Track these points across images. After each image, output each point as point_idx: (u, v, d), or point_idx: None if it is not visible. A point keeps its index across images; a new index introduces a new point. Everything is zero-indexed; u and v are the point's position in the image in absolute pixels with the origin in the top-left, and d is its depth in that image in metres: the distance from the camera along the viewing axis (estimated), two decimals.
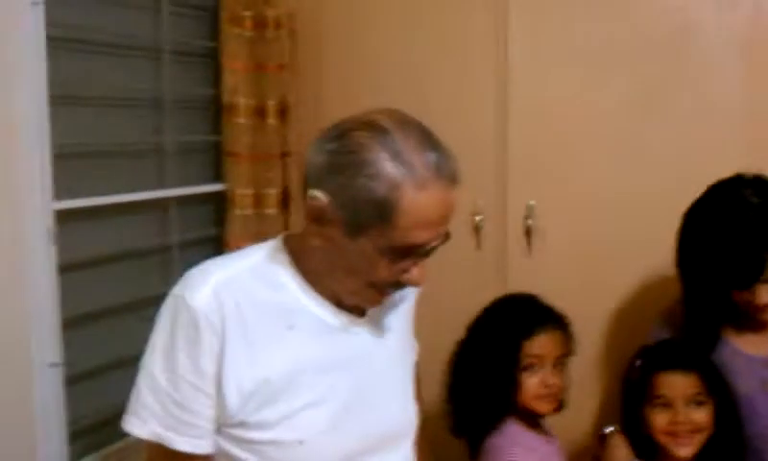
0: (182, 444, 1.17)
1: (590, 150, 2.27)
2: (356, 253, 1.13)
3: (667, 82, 2.19)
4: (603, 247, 2.26)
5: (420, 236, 1.11)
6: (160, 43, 2.30)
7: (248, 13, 2.47)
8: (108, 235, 2.15)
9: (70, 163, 1.98)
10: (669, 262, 1.86)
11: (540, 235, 2.32)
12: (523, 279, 2.25)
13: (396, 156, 1.09)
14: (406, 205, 1.08)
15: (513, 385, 1.72)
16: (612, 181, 2.25)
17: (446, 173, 1.12)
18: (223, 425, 1.18)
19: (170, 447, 1.17)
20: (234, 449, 1.19)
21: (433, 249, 1.14)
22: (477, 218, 2.37)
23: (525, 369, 1.73)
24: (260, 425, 1.16)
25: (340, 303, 1.23)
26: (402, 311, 1.37)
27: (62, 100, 1.94)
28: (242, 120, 2.44)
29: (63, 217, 1.93)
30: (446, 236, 1.16)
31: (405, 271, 1.15)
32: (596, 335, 2.26)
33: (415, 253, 1.13)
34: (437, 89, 2.43)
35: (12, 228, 1.81)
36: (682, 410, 1.69)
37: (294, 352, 1.18)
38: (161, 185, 2.32)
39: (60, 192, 1.91)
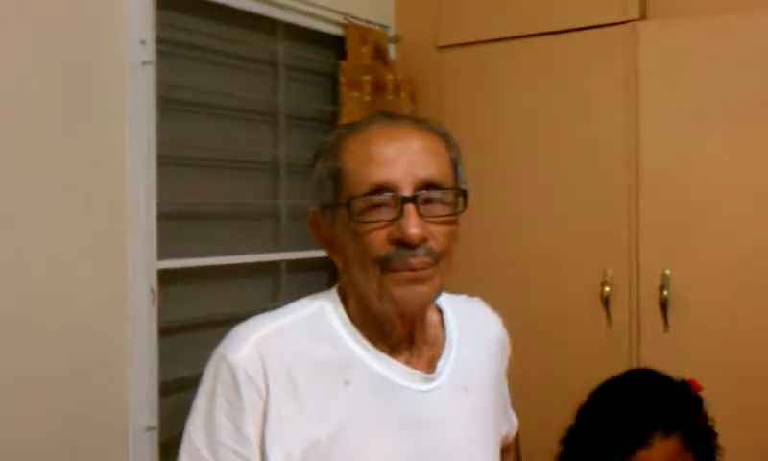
0: None
1: (732, 213, 2.05)
2: (347, 235, 1.04)
3: None
4: (750, 320, 2.00)
5: (375, 174, 1.01)
6: (277, 107, 2.29)
7: (367, 77, 2.44)
8: (216, 298, 2.11)
9: (180, 225, 1.97)
10: None
11: (678, 308, 2.10)
12: (659, 358, 2.00)
13: (342, 128, 1.08)
14: (348, 152, 1.04)
15: None
16: (759, 247, 2.02)
17: (383, 121, 1.06)
18: None
19: None
20: None
21: (413, 198, 1.01)
22: (606, 289, 2.17)
23: None
24: None
25: (401, 356, 1.08)
26: (486, 372, 1.19)
27: (174, 161, 1.94)
28: None
29: (171, 278, 1.91)
30: (437, 190, 1.03)
31: (396, 229, 1.01)
32: (745, 426, 1.97)
33: (384, 199, 1.01)
34: (563, 154, 2.29)
35: (115, 286, 1.80)
36: None
37: (349, 412, 1.03)
38: (274, 249, 2.28)
39: (170, 253, 1.90)
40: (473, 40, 2.47)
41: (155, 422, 1.86)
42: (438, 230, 1.03)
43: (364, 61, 2.43)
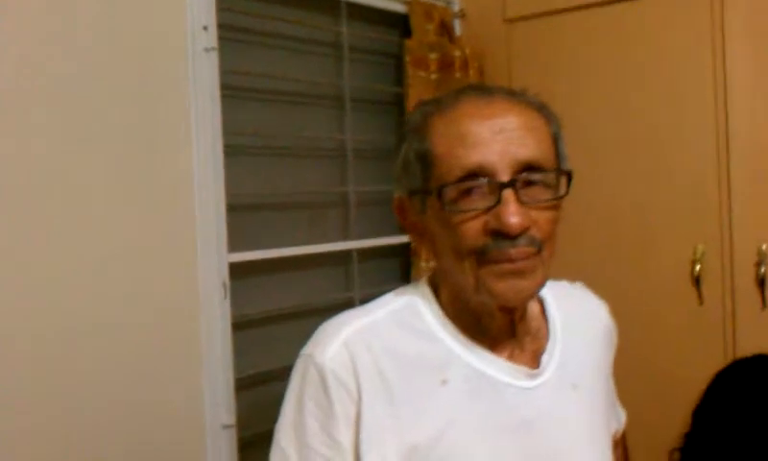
0: None
1: None
2: (438, 223, 0.96)
3: None
4: None
5: (468, 157, 0.92)
6: (342, 90, 2.22)
7: (433, 55, 2.35)
8: (287, 290, 2.06)
9: (247, 216, 1.92)
10: None
11: None
12: (756, 340, 1.89)
13: (428, 104, 0.99)
14: (436, 133, 0.95)
15: None
16: None
17: (476, 95, 0.96)
18: None
19: None
20: None
21: (512, 183, 0.91)
22: (698, 267, 2.04)
23: None
24: None
25: (502, 351, 1.00)
26: (594, 366, 1.10)
27: (238, 150, 1.89)
28: None
29: (240, 271, 1.86)
30: (537, 172, 0.93)
31: (493, 218, 0.92)
32: None
33: (479, 185, 0.92)
34: (646, 126, 2.17)
35: (188, 281, 1.76)
36: None
37: (448, 414, 0.96)
38: (344, 237, 2.22)
39: (237, 245, 1.85)
40: (542, 11, 2.36)
41: (232, 419, 1.81)
42: (540, 216, 0.94)
43: (429, 39, 2.35)
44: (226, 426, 1.81)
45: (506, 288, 0.94)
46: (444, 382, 0.97)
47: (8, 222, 1.46)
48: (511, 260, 0.92)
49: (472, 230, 0.93)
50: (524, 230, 0.91)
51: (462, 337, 0.99)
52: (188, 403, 1.76)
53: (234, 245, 1.85)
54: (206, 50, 1.75)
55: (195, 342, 1.77)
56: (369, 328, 0.99)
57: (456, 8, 2.48)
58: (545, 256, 0.95)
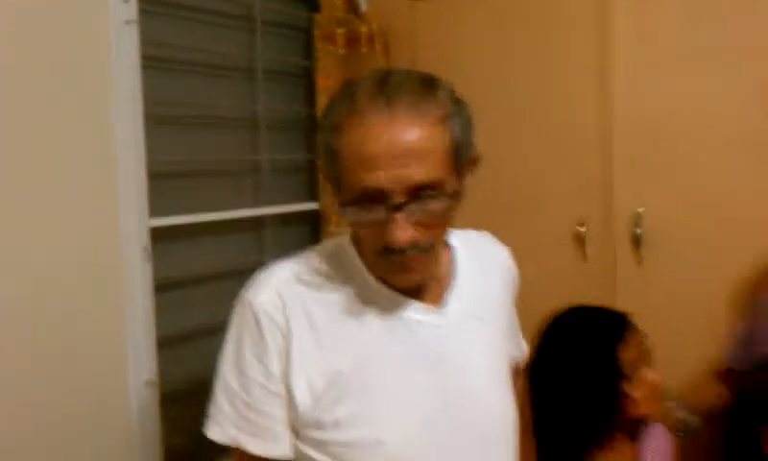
0: (257, 447, 1.12)
1: (703, 152, 2.14)
2: (345, 204, 1.06)
3: None
4: (720, 255, 2.11)
5: (364, 179, 1.00)
6: (254, 63, 2.31)
7: (340, 31, 2.46)
8: (202, 254, 2.15)
9: (165, 182, 1.99)
10: None
11: (650, 245, 2.19)
12: (633, 292, 2.12)
13: (345, 100, 1.04)
14: (344, 140, 1.02)
15: (619, 397, 1.59)
16: (728, 184, 2.11)
17: (380, 107, 1.00)
18: (299, 428, 1.12)
19: (246, 450, 1.13)
20: (313, 453, 1.11)
21: (405, 204, 1.01)
22: (581, 229, 2.25)
23: (627, 377, 1.59)
24: (335, 425, 1.09)
25: (413, 292, 1.14)
26: (499, 300, 1.26)
27: (157, 119, 1.95)
28: None
29: (159, 236, 1.94)
30: (430, 190, 1.01)
31: (384, 232, 1.03)
32: (713, 348, 2.09)
33: (375, 201, 1.01)
34: (535, 98, 2.35)
35: (110, 245, 1.82)
36: None
37: (366, 346, 1.11)
38: (257, 204, 2.32)
39: (155, 211, 1.92)
40: None
41: (154, 376, 1.90)
42: (430, 223, 1.05)
43: (337, 14, 2.46)
44: (148, 383, 1.90)
45: (399, 280, 1.10)
46: (364, 320, 1.12)
47: None
48: (401, 262, 1.06)
49: (370, 236, 1.07)
50: (411, 244, 1.03)
51: (378, 283, 1.13)
52: (113, 361, 1.83)
53: (156, 210, 1.92)
54: (127, 22, 1.81)
55: (118, 303, 1.84)
56: (297, 275, 1.14)
57: None
58: (436, 250, 1.08)
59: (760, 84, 2.06)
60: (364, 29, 2.50)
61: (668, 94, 2.17)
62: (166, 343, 1.97)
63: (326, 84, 2.42)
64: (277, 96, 2.40)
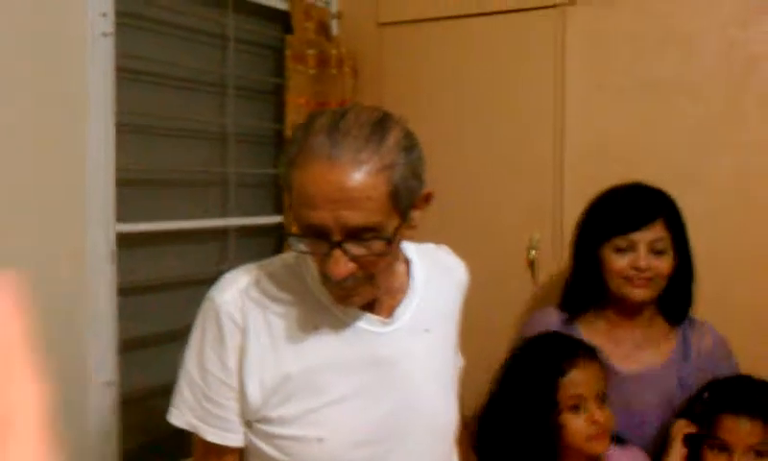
0: (212, 435, 1.23)
1: (648, 178, 2.22)
2: (294, 243, 1.16)
3: (730, 114, 2.15)
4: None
5: (308, 216, 1.09)
6: (226, 78, 2.38)
7: (311, 52, 2.54)
8: (167, 261, 2.21)
9: (134, 190, 2.05)
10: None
11: None
12: None
13: (301, 137, 1.11)
14: (295, 180, 1.10)
15: (556, 430, 1.62)
16: None
17: (325, 152, 1.07)
18: (249, 420, 1.22)
19: (203, 438, 1.23)
20: (260, 444, 1.22)
21: (342, 242, 1.09)
22: (533, 253, 2.34)
23: (568, 410, 1.63)
24: (282, 421, 1.19)
25: (366, 305, 1.23)
26: (447, 313, 1.35)
27: (129, 128, 2.02)
28: None
29: (125, 241, 2.00)
30: (368, 232, 1.09)
31: (324, 262, 1.12)
32: None
33: (317, 236, 1.10)
34: (495, 125, 2.45)
35: (76, 247, 1.87)
36: (739, 459, 1.62)
37: (316, 351, 1.21)
38: (222, 215, 2.38)
39: (124, 217, 1.98)
40: (412, 19, 2.59)
41: (113, 377, 1.96)
42: (368, 259, 1.12)
43: (309, 36, 2.54)
44: (108, 384, 1.95)
45: (342, 302, 1.20)
46: (316, 328, 1.21)
47: None
48: (340, 291, 1.16)
49: (316, 262, 1.17)
50: (349, 277, 1.12)
51: (329, 295, 1.22)
52: (73, 360, 1.88)
53: (123, 216, 1.98)
54: (104, 35, 1.88)
55: (81, 304, 1.89)
56: (262, 279, 1.24)
57: (334, 9, 2.68)
58: (376, 279, 1.16)
59: (705, 119, 2.18)
60: (334, 51, 2.58)
61: (617, 126, 2.28)
62: (128, 347, 2.02)
63: (296, 101, 2.50)
64: (247, 112, 2.48)
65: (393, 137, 1.10)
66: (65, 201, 1.84)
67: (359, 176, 1.06)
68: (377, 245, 1.10)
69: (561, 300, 1.98)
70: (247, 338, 1.19)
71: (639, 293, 1.82)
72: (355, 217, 1.07)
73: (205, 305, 1.24)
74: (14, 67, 1.71)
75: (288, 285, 1.24)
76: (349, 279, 1.12)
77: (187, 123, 2.27)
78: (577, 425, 1.61)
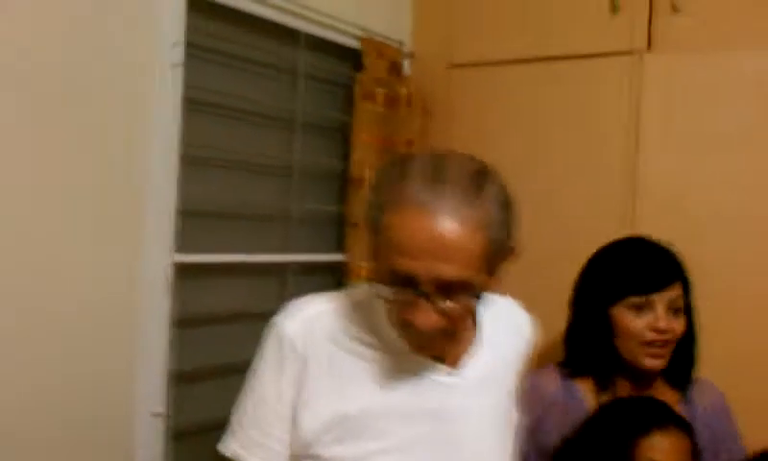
0: None
1: (730, 237, 2.13)
2: (377, 288, 1.12)
3: None
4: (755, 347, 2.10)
5: (399, 263, 1.05)
6: (294, 113, 2.37)
7: (381, 90, 2.52)
8: (225, 294, 2.19)
9: (195, 221, 2.05)
10: None
11: None
12: None
13: (396, 182, 1.08)
14: (386, 223, 1.07)
15: None
16: (758, 274, 2.10)
17: (424, 199, 1.04)
18: (298, 455, 1.18)
19: None
20: None
21: (431, 294, 1.05)
22: None
23: None
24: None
25: (435, 355, 1.20)
26: (508, 371, 1.31)
27: (193, 160, 2.02)
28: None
29: (184, 271, 1.99)
30: (459, 287, 1.05)
31: (409, 311, 1.08)
32: None
33: (405, 284, 1.06)
34: (565, 174, 2.38)
35: (129, 276, 1.87)
36: None
37: (377, 395, 1.17)
38: (284, 251, 2.36)
39: (183, 247, 1.98)
40: (485, 61, 2.55)
41: (162, 408, 1.93)
42: (454, 313, 1.09)
43: (379, 75, 2.51)
44: (155, 415, 1.93)
45: (419, 351, 1.17)
46: (381, 370, 1.17)
47: None
48: (419, 340, 1.14)
49: (398, 307, 1.11)
50: (432, 330, 1.08)
51: (399, 339, 1.18)
52: (121, 389, 1.87)
53: (183, 247, 1.98)
54: (173, 65, 1.89)
55: (133, 332, 1.88)
56: (329, 313, 1.21)
57: (406, 49, 2.66)
58: (456, 334, 1.15)
59: None
60: (404, 90, 2.55)
61: (694, 178, 2.19)
62: (181, 379, 2.00)
63: (363, 140, 2.47)
64: (313, 148, 2.46)
65: (492, 191, 1.08)
66: (124, 226, 1.85)
67: (458, 229, 1.03)
68: (465, 299, 1.08)
69: (564, 358, 1.84)
70: (307, 369, 1.17)
71: (656, 363, 1.72)
72: (449, 270, 1.04)
73: (270, 330, 1.22)
74: (83, 92, 1.73)
75: (357, 322, 1.20)
76: (434, 331, 1.09)
77: (253, 157, 2.26)
78: None
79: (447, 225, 1.03)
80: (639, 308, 1.70)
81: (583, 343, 1.79)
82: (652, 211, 2.24)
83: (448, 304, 1.07)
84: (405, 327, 1.12)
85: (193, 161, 2.02)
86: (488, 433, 1.23)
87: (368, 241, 1.14)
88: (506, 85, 2.51)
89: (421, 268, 1.04)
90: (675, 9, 2.24)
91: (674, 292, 1.72)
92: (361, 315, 1.21)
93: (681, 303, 1.73)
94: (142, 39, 1.84)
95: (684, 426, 1.57)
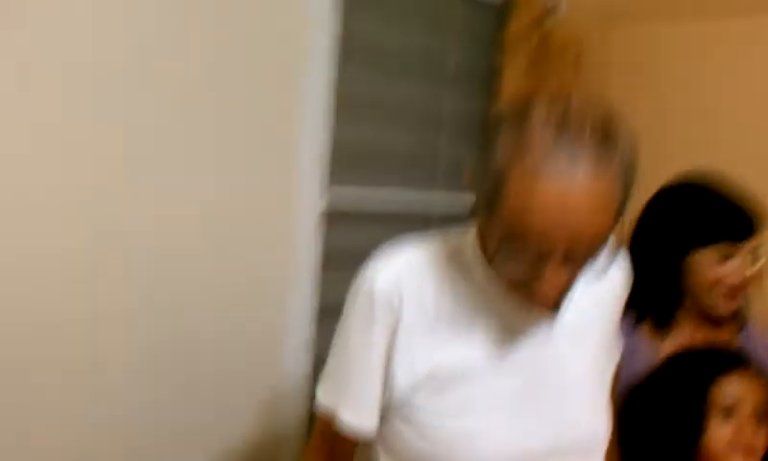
0: (347, 414, 1.15)
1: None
2: (492, 237, 1.02)
3: None
4: None
5: (529, 233, 0.94)
6: (445, 63, 2.39)
7: (530, 40, 2.48)
8: (368, 240, 2.24)
9: (344, 166, 2.13)
10: None
11: None
12: None
13: (517, 139, 0.95)
14: (512, 186, 0.94)
15: (699, 433, 1.47)
16: None
17: (560, 168, 0.92)
18: (393, 408, 1.14)
19: (337, 416, 1.16)
20: (402, 428, 1.14)
21: (559, 267, 0.97)
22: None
23: (716, 416, 1.47)
24: (427, 411, 1.11)
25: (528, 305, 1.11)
26: (605, 314, 1.24)
27: (346, 103, 2.09)
28: None
29: (330, 216, 2.08)
30: (588, 253, 0.97)
31: (531, 279, 0.99)
32: None
33: (530, 250, 0.96)
34: (729, 130, 2.25)
35: (286, 218, 1.96)
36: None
37: (470, 348, 1.12)
38: (429, 198, 2.41)
39: (332, 191, 2.07)
40: (642, 16, 2.45)
41: (311, 341, 2.04)
42: (578, 275, 1.02)
43: (529, 24, 2.48)
44: (305, 347, 2.03)
45: (530, 307, 1.06)
46: (474, 321, 1.13)
47: (147, 160, 1.67)
48: (530, 304, 1.05)
49: (511, 271, 1.03)
50: (553, 303, 1.02)
51: (494, 288, 1.12)
52: (272, 326, 1.97)
53: (332, 190, 2.07)
54: (330, 9, 1.95)
55: (287, 267, 1.97)
56: (423, 260, 1.15)
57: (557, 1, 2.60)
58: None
59: None
60: (554, 41, 2.51)
61: None
62: (325, 314, 2.09)
63: (511, 90, 2.46)
64: (463, 96, 2.47)
65: (623, 140, 0.98)
66: (278, 170, 1.92)
67: (597, 186, 0.94)
68: (588, 264, 1.01)
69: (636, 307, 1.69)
70: (400, 320, 1.11)
71: (733, 307, 1.66)
72: (583, 240, 0.95)
73: (361, 281, 1.15)
74: (240, 32, 1.79)
75: (451, 271, 1.14)
76: (554, 301, 1.02)
77: (403, 103, 2.30)
78: (720, 434, 1.47)
79: (588, 190, 0.93)
80: (727, 256, 1.61)
81: (649, 289, 1.66)
82: None
83: (575, 272, 0.99)
84: (514, 288, 1.05)
85: (347, 106, 2.08)
86: (587, 384, 1.18)
87: (480, 209, 1.02)
88: (665, 43, 2.39)
89: (554, 241, 0.94)
90: None
91: (759, 239, 1.63)
92: (457, 263, 1.14)
93: (762, 250, 1.64)
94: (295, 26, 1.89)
95: (758, 370, 1.54)
